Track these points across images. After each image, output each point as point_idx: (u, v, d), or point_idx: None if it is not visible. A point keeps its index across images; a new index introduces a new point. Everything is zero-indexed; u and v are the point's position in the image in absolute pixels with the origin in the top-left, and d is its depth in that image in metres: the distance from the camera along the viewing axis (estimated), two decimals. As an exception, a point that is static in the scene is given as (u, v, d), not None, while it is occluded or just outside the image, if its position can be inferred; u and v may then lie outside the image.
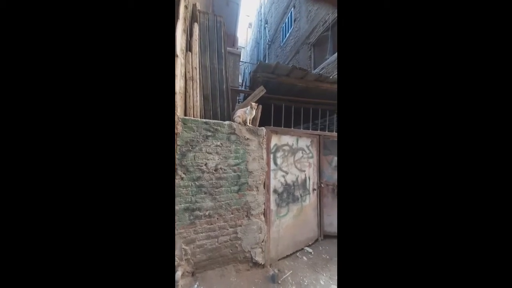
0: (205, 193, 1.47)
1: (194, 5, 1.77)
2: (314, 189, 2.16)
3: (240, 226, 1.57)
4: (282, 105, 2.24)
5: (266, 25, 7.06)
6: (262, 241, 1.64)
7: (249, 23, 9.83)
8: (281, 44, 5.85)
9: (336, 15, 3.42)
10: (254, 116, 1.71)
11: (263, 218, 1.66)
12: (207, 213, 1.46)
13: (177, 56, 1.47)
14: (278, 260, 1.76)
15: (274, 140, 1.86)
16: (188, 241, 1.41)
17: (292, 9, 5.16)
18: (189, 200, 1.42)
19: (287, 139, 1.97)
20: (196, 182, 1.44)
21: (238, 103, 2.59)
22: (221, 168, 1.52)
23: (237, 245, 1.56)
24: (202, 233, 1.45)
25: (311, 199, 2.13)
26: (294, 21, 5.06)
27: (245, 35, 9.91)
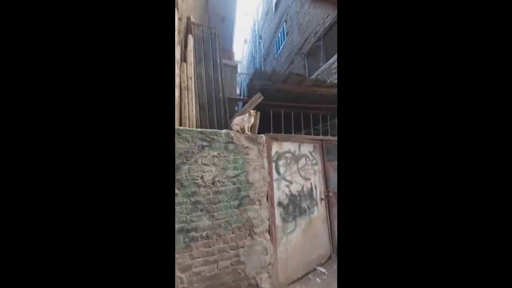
0: (202, 210, 1.31)
1: (188, 18, 1.83)
2: (321, 199, 1.99)
3: (243, 247, 1.38)
4: (281, 112, 2.18)
5: (260, 40, 7.47)
6: (269, 264, 1.43)
7: (244, 39, 10.47)
8: (276, 56, 6.09)
9: (326, 25, 3.58)
10: (252, 124, 1.64)
11: (268, 237, 1.48)
12: (204, 234, 1.29)
13: (171, 66, 1.45)
14: (288, 285, 1.53)
15: (275, 148, 1.76)
16: (183, 268, 1.22)
17: (284, 23, 5.48)
18: (184, 219, 1.26)
19: (289, 146, 1.87)
20: (191, 198, 1.30)
21: (237, 112, 2.55)
22: (219, 181, 1.39)
23: (239, 270, 1.35)
24: (199, 258, 1.26)
25: (319, 210, 1.95)
26: (287, 34, 5.33)
27: (242, 50, 10.48)
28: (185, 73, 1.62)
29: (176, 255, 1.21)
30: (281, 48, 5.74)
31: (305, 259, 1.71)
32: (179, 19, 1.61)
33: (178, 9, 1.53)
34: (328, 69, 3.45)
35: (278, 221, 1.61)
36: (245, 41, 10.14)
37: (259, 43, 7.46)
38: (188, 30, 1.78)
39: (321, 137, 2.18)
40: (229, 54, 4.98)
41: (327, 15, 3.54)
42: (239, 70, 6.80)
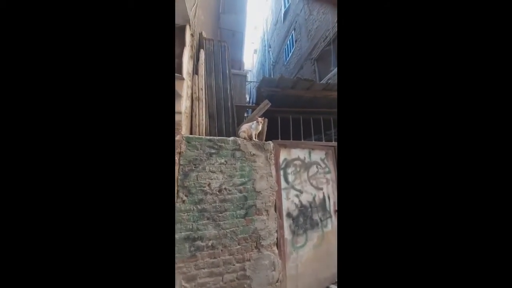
0: (208, 218, 1.30)
1: (201, 34, 1.98)
2: (336, 211, 1.83)
3: (249, 260, 1.31)
4: (289, 118, 2.14)
5: (269, 49, 7.68)
6: (277, 281, 1.33)
7: (254, 49, 10.87)
8: (285, 63, 6.16)
9: (335, 30, 3.52)
10: (260, 131, 1.62)
11: (276, 251, 1.39)
12: (209, 244, 1.27)
13: (184, 79, 1.55)
14: (300, 307, 1.39)
15: (283, 155, 1.70)
16: (188, 278, 1.19)
17: (293, 31, 5.57)
18: (190, 227, 1.26)
19: (298, 153, 1.79)
20: (198, 206, 1.30)
21: (245, 119, 2.58)
22: (225, 189, 1.38)
23: (245, 286, 1.27)
24: (204, 269, 1.23)
25: (333, 223, 1.78)
26: (296, 41, 5.38)
27: (252, 59, 10.88)
28: (196, 84, 1.72)
29: (181, 264, 1.19)
30: (290, 55, 5.79)
31: (317, 277, 1.55)
32: (192, 35, 1.74)
33: (190, 26, 1.66)
34: (339, 72, 3.32)
35: (287, 234, 1.51)
36: (255, 51, 10.52)
37: (268, 52, 7.67)
38: (200, 45, 1.92)
39: (333, 143, 2.05)
40: (239, 64, 5.19)
41: (337, 20, 3.50)
42: (249, 79, 7.02)
